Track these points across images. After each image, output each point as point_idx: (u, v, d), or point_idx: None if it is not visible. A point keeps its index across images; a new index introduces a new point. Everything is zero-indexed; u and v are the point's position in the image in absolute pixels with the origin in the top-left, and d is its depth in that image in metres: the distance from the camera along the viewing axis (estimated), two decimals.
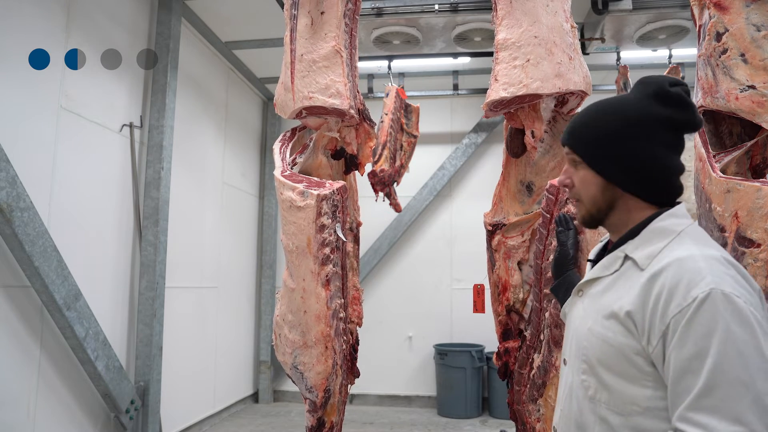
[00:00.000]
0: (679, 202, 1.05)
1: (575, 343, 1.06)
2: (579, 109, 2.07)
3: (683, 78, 4.02)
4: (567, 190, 1.13)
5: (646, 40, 3.63)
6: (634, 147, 1.01)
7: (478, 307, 3.62)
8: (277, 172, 1.91)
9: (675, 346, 0.86)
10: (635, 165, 1.02)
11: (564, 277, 1.39)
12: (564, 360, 1.12)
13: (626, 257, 1.02)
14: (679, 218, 1.01)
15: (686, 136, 1.06)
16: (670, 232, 0.98)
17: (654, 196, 1.04)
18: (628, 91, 4.20)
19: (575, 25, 2.00)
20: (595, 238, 1.60)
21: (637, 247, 1.00)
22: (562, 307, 1.24)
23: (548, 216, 1.87)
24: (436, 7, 3.33)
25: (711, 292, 0.85)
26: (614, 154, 1.03)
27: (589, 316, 1.04)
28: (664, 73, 3.93)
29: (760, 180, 1.56)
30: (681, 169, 1.04)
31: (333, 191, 1.80)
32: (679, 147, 1.05)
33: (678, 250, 0.94)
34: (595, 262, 1.16)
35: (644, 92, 1.03)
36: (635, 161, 1.01)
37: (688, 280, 0.88)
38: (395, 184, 3.77)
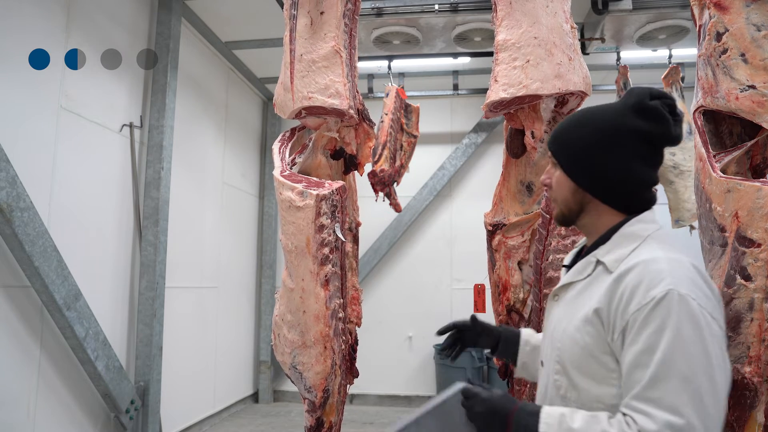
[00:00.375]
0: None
1: (550, 344, 1.11)
2: (579, 110, 2.07)
3: (683, 78, 4.02)
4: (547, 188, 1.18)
5: (646, 40, 3.63)
6: (605, 157, 1.05)
7: (479, 306, 3.62)
8: (276, 172, 1.91)
9: (631, 342, 0.92)
10: (604, 174, 1.06)
11: (503, 337, 1.37)
12: (541, 362, 1.17)
13: (598, 262, 1.06)
14: (646, 223, 1.06)
15: (684, 139, 1.06)
16: (637, 236, 1.04)
17: (622, 204, 1.08)
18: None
19: (575, 25, 2.00)
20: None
21: (608, 252, 1.05)
22: (515, 363, 1.35)
23: (548, 216, 1.87)
24: (436, 7, 3.33)
25: (668, 292, 0.90)
26: (585, 161, 1.07)
27: (564, 318, 1.08)
28: (664, 74, 3.94)
29: (761, 180, 1.56)
30: (653, 181, 1.08)
31: (332, 191, 1.79)
32: (655, 159, 1.08)
33: (644, 253, 0.99)
34: (569, 267, 1.19)
35: (626, 103, 1.07)
36: (604, 170, 1.06)
37: (649, 280, 0.93)
38: (395, 184, 3.77)
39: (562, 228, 1.86)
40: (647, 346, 0.90)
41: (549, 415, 0.96)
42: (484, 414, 1.02)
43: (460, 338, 1.41)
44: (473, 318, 1.38)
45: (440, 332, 1.38)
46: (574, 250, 1.26)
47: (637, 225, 1.06)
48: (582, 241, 1.24)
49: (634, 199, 1.08)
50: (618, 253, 1.03)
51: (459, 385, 1.11)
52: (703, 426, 0.84)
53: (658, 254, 0.98)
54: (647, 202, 1.09)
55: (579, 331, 1.01)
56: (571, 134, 1.11)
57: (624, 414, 0.90)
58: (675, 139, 1.07)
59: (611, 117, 1.07)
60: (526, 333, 1.36)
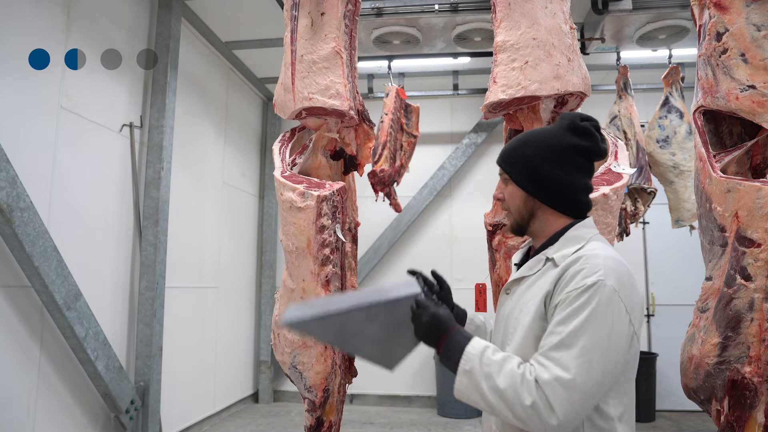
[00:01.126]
0: (588, 216, 1.30)
1: (503, 332, 1.27)
2: (578, 110, 2.07)
3: (683, 78, 4.03)
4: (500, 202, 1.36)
5: (646, 40, 3.63)
6: (550, 167, 1.24)
7: (480, 306, 3.62)
8: (277, 173, 1.91)
9: (556, 314, 1.11)
10: (549, 180, 1.25)
11: (454, 314, 1.45)
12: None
13: (547, 259, 1.23)
14: (588, 228, 1.26)
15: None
16: (581, 238, 1.22)
17: (565, 209, 1.27)
18: (629, 91, 4.17)
19: (574, 26, 2.00)
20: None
21: (557, 251, 1.22)
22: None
23: None
24: (436, 7, 3.33)
25: (597, 282, 1.09)
26: (533, 172, 1.26)
27: (515, 308, 1.24)
28: (664, 74, 3.95)
29: (761, 180, 1.56)
30: (589, 188, 1.29)
31: (333, 192, 1.79)
32: (589, 170, 1.29)
33: (587, 251, 1.17)
34: (519, 265, 1.37)
35: (561, 125, 1.28)
36: (549, 177, 1.24)
37: (586, 270, 1.11)
38: (395, 184, 3.77)
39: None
40: (565, 319, 1.08)
41: (478, 341, 1.14)
42: (426, 325, 1.18)
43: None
44: (434, 274, 1.49)
45: (409, 271, 1.50)
46: (522, 251, 1.42)
47: (580, 229, 1.24)
48: (527, 242, 1.42)
49: (575, 204, 1.27)
50: (564, 251, 1.20)
51: (413, 289, 1.24)
52: (584, 386, 1.04)
53: (598, 251, 1.16)
54: (586, 205, 1.29)
55: (527, 316, 1.18)
56: (519, 151, 1.29)
57: (531, 364, 1.09)
58: (603, 153, 1.27)
59: (551, 135, 1.27)
60: (472, 313, 1.51)
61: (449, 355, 1.14)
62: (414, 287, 1.25)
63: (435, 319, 1.18)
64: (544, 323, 1.15)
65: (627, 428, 1.15)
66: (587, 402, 1.06)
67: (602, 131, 1.29)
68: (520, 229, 1.32)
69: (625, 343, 1.09)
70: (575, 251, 1.18)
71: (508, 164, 1.31)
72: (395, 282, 1.32)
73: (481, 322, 1.48)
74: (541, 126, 2.03)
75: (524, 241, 2.23)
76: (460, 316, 1.45)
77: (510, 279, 1.33)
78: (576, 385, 1.03)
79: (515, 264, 1.40)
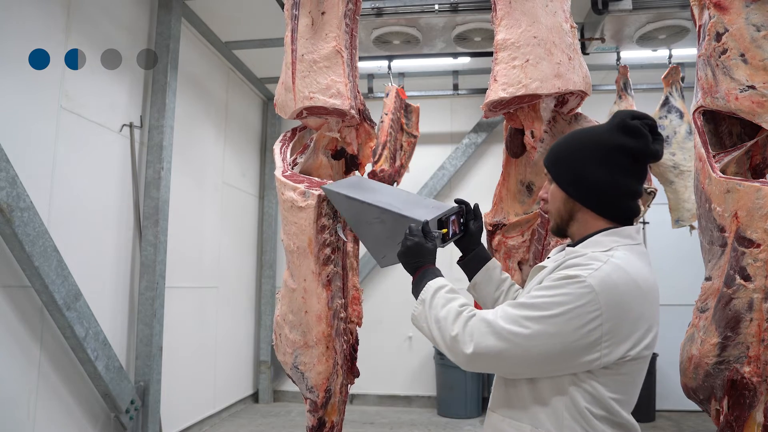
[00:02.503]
0: (633, 222, 1.22)
1: None
2: (579, 109, 2.07)
3: (683, 78, 4.03)
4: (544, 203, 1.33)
5: (646, 40, 3.63)
6: (591, 167, 1.18)
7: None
8: (278, 173, 1.91)
9: (531, 288, 1.15)
10: (590, 183, 1.19)
11: (475, 252, 1.53)
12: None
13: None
14: (621, 237, 1.17)
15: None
16: (604, 245, 1.16)
17: (606, 213, 1.20)
18: (629, 91, 4.16)
19: (575, 25, 1.99)
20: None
21: (575, 248, 1.20)
22: (471, 279, 1.51)
23: (547, 216, 1.87)
24: (436, 7, 3.33)
25: (579, 276, 1.06)
26: (574, 173, 1.21)
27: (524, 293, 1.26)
28: (664, 74, 3.94)
29: (760, 180, 1.56)
30: (636, 192, 1.21)
31: None
32: (637, 173, 1.20)
33: (596, 252, 1.13)
34: None
35: (611, 122, 1.21)
36: (590, 178, 1.18)
37: (580, 267, 1.09)
38: (395, 184, 3.77)
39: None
40: (537, 291, 1.10)
41: (441, 280, 1.24)
42: (407, 250, 1.29)
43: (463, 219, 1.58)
44: (476, 208, 1.54)
45: (456, 200, 1.56)
46: (558, 248, 1.38)
47: (610, 236, 1.17)
48: (566, 242, 1.37)
49: (617, 208, 1.20)
50: (581, 250, 1.17)
51: (423, 216, 1.33)
52: (508, 346, 1.06)
53: (604, 258, 1.10)
54: (630, 211, 1.22)
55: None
56: (563, 150, 1.25)
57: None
58: (654, 154, 1.18)
59: (598, 134, 1.21)
60: (494, 262, 1.53)
61: (416, 286, 1.26)
62: (427, 215, 1.33)
63: (416, 248, 1.28)
64: None
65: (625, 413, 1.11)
66: (503, 356, 1.07)
67: (658, 127, 1.21)
68: (559, 231, 1.28)
69: (577, 341, 1.04)
70: (589, 252, 1.14)
71: (551, 163, 1.26)
72: (433, 201, 1.44)
73: (498, 275, 1.49)
74: (541, 125, 2.03)
75: (524, 242, 2.23)
76: (481, 256, 1.50)
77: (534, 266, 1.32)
78: (502, 335, 1.06)
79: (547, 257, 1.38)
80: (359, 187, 1.44)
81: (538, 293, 1.09)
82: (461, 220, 1.49)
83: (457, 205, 1.50)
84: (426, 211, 1.36)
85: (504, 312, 1.09)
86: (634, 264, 1.12)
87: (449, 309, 1.14)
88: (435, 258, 1.29)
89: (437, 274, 1.27)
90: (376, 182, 1.66)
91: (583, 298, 1.04)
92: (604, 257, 1.10)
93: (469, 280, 1.53)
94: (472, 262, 1.52)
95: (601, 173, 1.17)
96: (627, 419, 1.11)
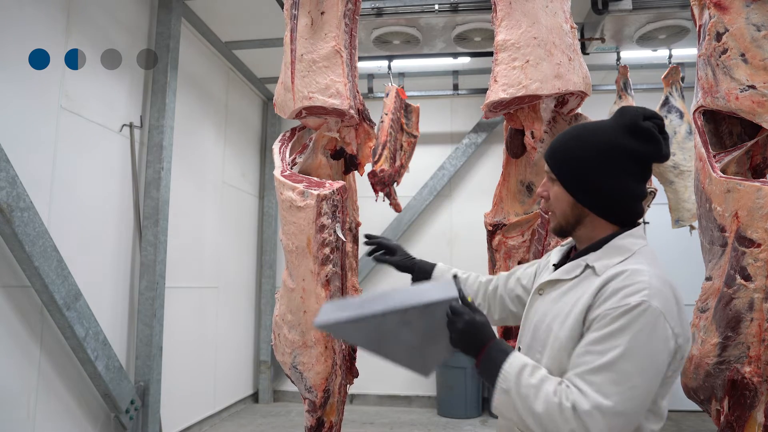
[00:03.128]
0: (639, 223, 1.21)
1: (531, 335, 1.21)
2: (579, 109, 2.07)
3: (683, 78, 4.02)
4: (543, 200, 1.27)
5: (646, 40, 3.63)
6: (602, 174, 1.14)
7: None
8: (277, 172, 1.91)
9: (593, 330, 1.05)
10: (601, 190, 1.15)
11: (416, 268, 1.57)
12: (519, 348, 1.27)
13: (587, 266, 1.16)
14: (636, 238, 1.17)
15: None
16: (627, 250, 1.14)
17: (616, 218, 1.18)
18: (629, 91, 4.13)
19: (575, 25, 2.00)
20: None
21: (598, 259, 1.15)
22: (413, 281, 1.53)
23: (547, 216, 1.87)
24: (436, 7, 3.33)
25: (642, 303, 1.02)
26: (584, 179, 1.16)
27: (548, 313, 1.18)
28: (664, 74, 3.94)
29: (760, 180, 1.56)
30: (643, 195, 1.19)
31: (333, 191, 1.79)
32: (645, 176, 1.18)
33: (632, 264, 1.10)
34: (557, 265, 1.28)
35: (619, 122, 1.16)
36: (601, 187, 1.15)
37: (630, 289, 1.04)
38: (395, 184, 3.77)
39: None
40: (605, 338, 1.02)
41: (515, 358, 1.09)
42: (463, 334, 1.12)
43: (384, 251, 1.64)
44: (397, 248, 1.59)
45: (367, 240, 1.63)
46: (561, 250, 1.34)
47: (627, 239, 1.16)
48: (569, 241, 1.33)
49: (626, 213, 1.18)
50: (607, 261, 1.13)
51: (447, 293, 1.16)
52: (624, 413, 0.99)
53: (643, 267, 1.08)
54: (637, 214, 1.20)
55: (564, 327, 1.12)
56: (570, 152, 1.18)
57: (567, 386, 1.04)
58: (664, 158, 1.17)
59: (607, 136, 1.15)
60: (440, 269, 1.53)
61: (487, 371, 1.11)
62: (451, 291, 1.17)
63: (471, 328, 1.12)
64: (578, 335, 1.10)
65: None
66: (627, 428, 1.01)
67: (665, 126, 1.17)
68: (562, 233, 1.24)
69: (665, 365, 1.04)
70: (619, 263, 1.11)
71: (556, 162, 1.20)
72: (432, 283, 1.29)
73: (445, 279, 1.50)
74: (542, 125, 2.03)
75: (524, 242, 2.23)
76: (424, 268, 1.52)
77: (545, 279, 1.25)
78: (617, 413, 0.99)
79: (553, 264, 1.31)
80: (350, 307, 1.20)
81: (612, 343, 1.01)
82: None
83: (451, 278, 1.39)
84: (440, 291, 1.19)
85: (597, 387, 1.00)
86: (658, 265, 1.13)
87: (545, 399, 1.02)
88: (492, 330, 1.15)
89: (506, 349, 1.11)
90: (355, 297, 1.42)
91: (656, 322, 1.02)
92: (644, 268, 1.08)
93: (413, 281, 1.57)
94: (420, 276, 1.56)
95: (610, 178, 1.14)
96: (664, 411, 1.13)
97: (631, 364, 1.00)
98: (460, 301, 1.15)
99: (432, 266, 1.57)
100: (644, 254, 1.14)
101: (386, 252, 1.63)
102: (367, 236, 1.69)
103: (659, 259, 1.17)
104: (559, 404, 1.01)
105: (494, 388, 1.08)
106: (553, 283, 1.22)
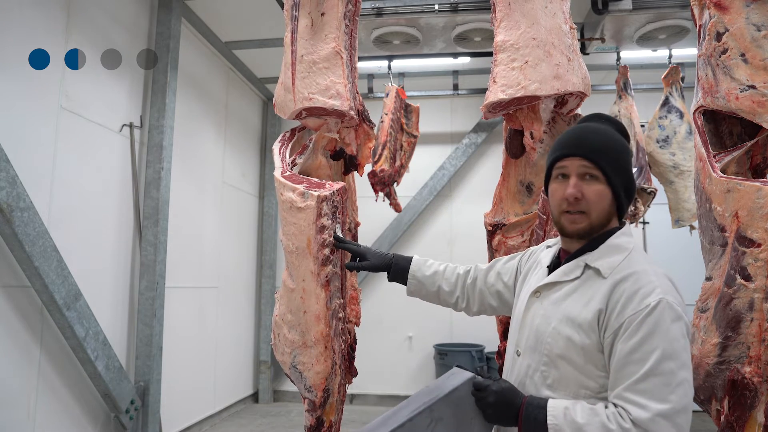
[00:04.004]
0: (624, 222, 1.27)
1: (534, 338, 1.21)
2: (578, 110, 2.07)
3: (683, 78, 4.03)
4: (571, 202, 1.20)
5: (646, 40, 3.63)
6: (631, 174, 1.23)
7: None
8: (277, 173, 1.91)
9: (624, 340, 1.06)
10: (631, 188, 1.23)
11: (393, 267, 1.59)
12: (517, 351, 1.26)
13: (586, 266, 1.17)
14: (628, 237, 1.22)
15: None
16: (624, 249, 1.18)
17: (624, 214, 1.26)
18: (629, 91, 4.14)
19: (574, 26, 1.99)
20: None
21: (598, 259, 1.17)
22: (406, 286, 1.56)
23: (545, 217, 1.87)
24: (436, 7, 3.33)
25: (660, 301, 1.06)
26: (628, 178, 1.22)
27: (552, 316, 1.18)
28: (664, 74, 3.94)
29: (761, 180, 1.56)
30: None
31: (333, 192, 1.79)
32: None
33: (635, 265, 1.14)
34: (550, 268, 1.28)
35: (618, 127, 1.28)
36: (632, 185, 1.23)
37: (645, 290, 1.08)
38: (395, 184, 3.77)
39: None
40: (640, 345, 1.04)
41: (554, 407, 1.09)
42: (497, 405, 1.13)
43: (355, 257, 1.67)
44: (366, 251, 1.62)
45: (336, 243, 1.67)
46: (551, 252, 1.34)
47: (622, 238, 1.20)
48: (554, 241, 1.35)
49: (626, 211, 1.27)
50: (609, 261, 1.16)
51: (465, 374, 1.19)
52: (685, 409, 1.02)
53: (647, 267, 1.13)
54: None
55: (575, 331, 1.13)
56: (616, 152, 1.20)
57: (616, 405, 1.05)
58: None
59: (622, 136, 1.26)
60: (416, 263, 1.56)
61: (533, 428, 1.10)
62: (464, 374, 1.19)
63: (502, 398, 1.13)
64: (596, 341, 1.11)
65: None
66: (689, 421, 1.03)
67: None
68: (590, 234, 1.20)
69: (690, 349, 1.09)
70: (621, 261, 1.15)
71: (607, 163, 1.18)
72: (443, 376, 1.26)
73: (424, 274, 1.54)
74: (541, 126, 2.03)
75: (524, 242, 2.23)
76: (401, 265, 1.56)
77: (542, 282, 1.25)
78: (677, 412, 1.01)
79: (547, 266, 1.31)
80: (380, 425, 1.17)
81: (647, 348, 1.04)
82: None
83: (458, 368, 1.31)
84: (456, 377, 1.20)
85: (651, 395, 1.01)
86: (651, 259, 1.20)
87: (603, 429, 1.03)
88: (519, 391, 1.16)
89: (540, 403, 1.11)
90: (381, 417, 1.35)
91: (675, 315, 1.07)
92: (647, 267, 1.14)
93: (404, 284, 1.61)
94: (397, 273, 1.59)
95: (633, 178, 1.24)
96: None
97: (672, 362, 1.03)
98: (480, 374, 1.18)
99: (408, 260, 1.59)
100: (638, 252, 1.19)
101: (357, 258, 1.65)
102: (336, 238, 1.71)
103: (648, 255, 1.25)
104: (619, 428, 1.01)
105: None
106: (551, 286, 1.22)
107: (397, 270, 1.58)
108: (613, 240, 1.18)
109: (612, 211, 1.21)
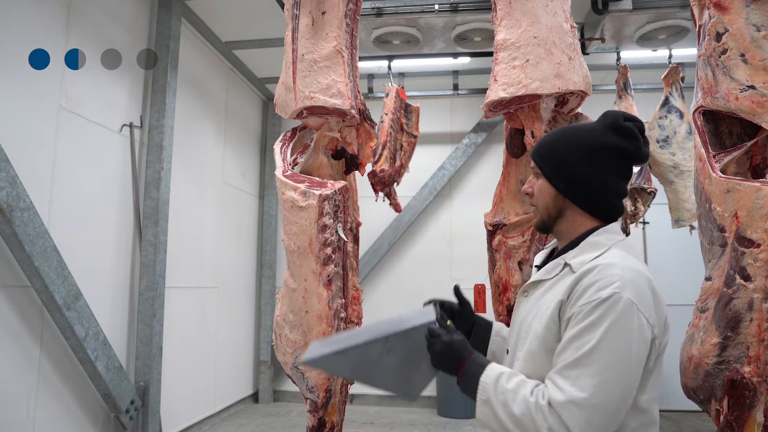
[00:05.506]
0: (616, 220, 1.24)
1: (517, 336, 1.24)
2: (579, 109, 2.08)
3: (683, 78, 4.03)
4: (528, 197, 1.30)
5: (646, 40, 3.63)
6: (585, 166, 1.19)
7: (479, 307, 3.62)
8: (278, 172, 1.91)
9: (570, 328, 1.07)
10: (583, 182, 1.19)
11: (475, 327, 1.43)
12: (507, 350, 1.30)
13: (565, 264, 1.18)
14: (612, 234, 1.20)
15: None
16: (602, 245, 1.17)
17: (595, 211, 1.22)
18: (629, 91, 4.14)
19: (575, 25, 2.00)
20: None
21: (575, 256, 1.17)
22: (485, 352, 1.41)
23: None
24: (436, 7, 3.33)
25: (613, 295, 1.04)
26: (567, 170, 1.20)
27: (530, 313, 1.21)
28: (664, 74, 3.95)
29: (760, 180, 1.56)
30: (624, 192, 1.23)
31: (335, 191, 1.80)
32: (626, 173, 1.23)
33: (605, 260, 1.12)
34: (540, 266, 1.31)
35: (603, 122, 1.21)
36: (583, 178, 1.19)
37: (601, 282, 1.07)
38: (395, 184, 3.77)
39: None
40: (581, 333, 1.04)
41: (492, 369, 1.13)
42: (442, 353, 1.17)
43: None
44: (457, 291, 1.46)
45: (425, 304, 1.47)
46: (545, 252, 1.36)
47: (603, 235, 1.19)
48: (552, 243, 1.36)
49: (606, 207, 1.22)
50: (583, 258, 1.15)
51: (428, 317, 1.23)
52: (602, 406, 1.00)
53: (615, 261, 1.11)
54: (616, 211, 1.23)
55: (541, 325, 1.14)
56: (555, 146, 1.23)
57: (546, 385, 1.07)
58: (644, 157, 1.21)
59: (591, 133, 1.21)
60: (498, 325, 1.47)
61: (467, 386, 1.14)
62: (429, 315, 1.23)
63: (449, 348, 1.16)
64: (556, 334, 1.12)
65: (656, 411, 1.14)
66: (608, 422, 1.01)
67: (646, 134, 1.23)
68: (545, 227, 1.27)
69: (642, 355, 1.05)
70: (593, 258, 1.13)
71: (540, 157, 1.25)
72: (412, 311, 1.31)
73: (506, 332, 1.41)
74: (542, 125, 2.03)
75: (524, 242, 2.23)
76: (484, 327, 1.42)
77: (529, 281, 1.27)
78: (594, 405, 1.00)
79: (536, 266, 1.34)
80: (333, 341, 1.26)
81: (586, 337, 1.03)
82: (446, 312, 1.41)
83: (431, 302, 1.36)
84: (420, 317, 1.24)
85: (573, 381, 1.02)
86: (632, 258, 1.15)
87: (523, 401, 1.05)
88: (470, 347, 1.19)
89: (483, 362, 1.15)
90: (341, 333, 1.46)
91: (629, 313, 1.03)
92: (616, 261, 1.10)
93: (484, 353, 1.42)
94: (477, 336, 1.43)
95: (593, 172, 1.18)
96: (647, 406, 1.12)
97: (605, 355, 1.01)
98: (438, 324, 1.21)
99: (489, 323, 1.47)
100: (619, 248, 1.17)
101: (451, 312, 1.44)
102: (426, 303, 1.43)
103: (636, 250, 1.20)
104: (535, 403, 1.04)
105: (476, 402, 1.11)
106: (536, 284, 1.24)
107: (482, 328, 1.44)
108: (593, 238, 1.19)
109: (560, 205, 1.22)
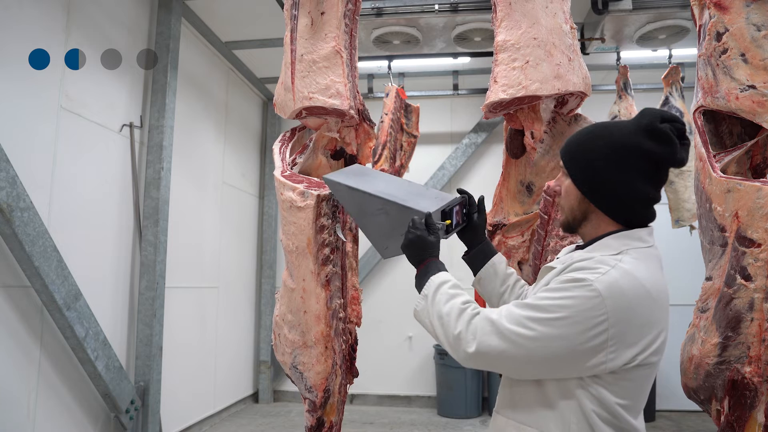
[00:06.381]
0: (647, 226, 1.18)
1: None
2: (579, 110, 2.07)
3: (683, 78, 4.02)
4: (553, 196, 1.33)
5: (646, 40, 3.63)
6: (610, 170, 1.13)
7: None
8: (277, 173, 1.91)
9: (537, 290, 1.14)
10: (608, 188, 1.14)
11: (479, 247, 1.51)
12: (499, 290, 1.43)
13: (573, 261, 1.16)
14: (629, 240, 1.13)
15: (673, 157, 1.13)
16: (612, 248, 1.12)
17: (621, 217, 1.16)
18: (629, 91, 4.14)
19: (575, 26, 2.00)
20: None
21: (582, 254, 1.16)
22: (476, 274, 1.49)
23: (546, 217, 1.87)
24: (436, 7, 3.33)
25: (585, 279, 1.04)
26: (593, 174, 1.15)
27: (531, 292, 1.26)
28: (664, 74, 3.94)
29: (761, 180, 1.56)
30: (654, 199, 1.16)
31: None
32: (658, 179, 1.15)
33: (607, 258, 1.09)
34: None
35: (638, 122, 1.14)
36: (608, 183, 1.14)
37: (586, 269, 1.07)
38: None
39: (560, 229, 1.87)
40: (545, 292, 1.08)
41: (443, 275, 1.22)
42: (411, 243, 1.27)
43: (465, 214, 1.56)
44: (481, 202, 1.51)
45: (459, 190, 1.53)
46: (570, 248, 1.35)
47: (620, 239, 1.14)
48: (579, 242, 1.32)
49: (633, 214, 1.16)
50: (587, 254, 1.14)
51: (428, 207, 1.32)
52: (515, 349, 1.04)
53: (612, 262, 1.07)
54: (645, 218, 1.17)
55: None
56: (583, 147, 1.18)
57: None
58: (680, 162, 1.13)
59: (622, 135, 1.14)
60: (500, 257, 1.51)
61: (419, 279, 1.25)
62: (432, 206, 1.32)
63: (419, 242, 1.26)
64: None
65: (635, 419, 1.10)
66: (506, 357, 1.05)
67: (687, 132, 1.14)
68: (569, 228, 1.25)
69: (582, 345, 1.02)
70: (596, 257, 1.10)
71: (568, 158, 1.21)
72: (435, 191, 1.43)
73: (503, 270, 1.47)
74: (541, 126, 2.03)
75: (524, 242, 2.23)
76: (485, 253, 1.48)
77: (543, 266, 1.28)
78: (510, 342, 1.04)
79: (557, 257, 1.33)
80: (361, 175, 1.41)
81: (544, 294, 1.07)
82: (464, 211, 1.47)
83: (460, 195, 1.48)
84: (429, 202, 1.35)
85: (509, 312, 1.08)
86: (644, 268, 1.08)
87: (452, 305, 1.13)
88: (438, 251, 1.27)
89: (441, 268, 1.25)
90: (378, 171, 1.62)
91: (589, 302, 1.02)
92: (612, 261, 1.07)
93: (474, 274, 1.51)
94: (477, 257, 1.50)
95: (620, 177, 1.12)
96: (633, 425, 1.09)
97: (547, 315, 1.03)
98: (428, 217, 1.29)
99: (493, 251, 1.51)
100: (634, 255, 1.10)
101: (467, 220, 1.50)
102: (459, 190, 1.54)
103: (659, 262, 1.13)
104: (462, 309, 1.12)
105: (419, 294, 1.21)
106: (548, 269, 1.24)
107: (483, 251, 1.49)
108: (608, 239, 1.14)
109: (585, 209, 1.18)
